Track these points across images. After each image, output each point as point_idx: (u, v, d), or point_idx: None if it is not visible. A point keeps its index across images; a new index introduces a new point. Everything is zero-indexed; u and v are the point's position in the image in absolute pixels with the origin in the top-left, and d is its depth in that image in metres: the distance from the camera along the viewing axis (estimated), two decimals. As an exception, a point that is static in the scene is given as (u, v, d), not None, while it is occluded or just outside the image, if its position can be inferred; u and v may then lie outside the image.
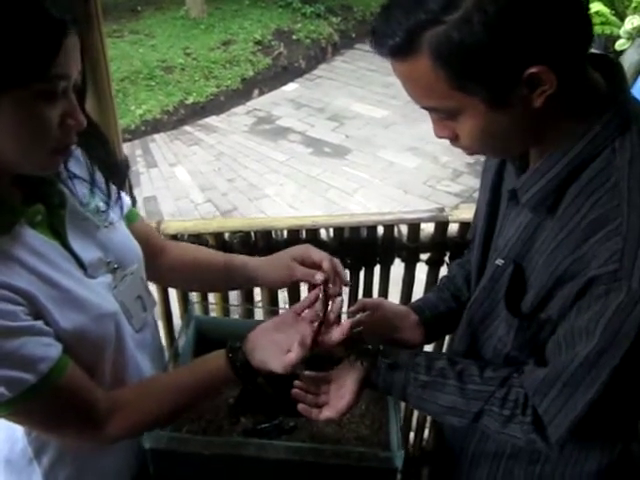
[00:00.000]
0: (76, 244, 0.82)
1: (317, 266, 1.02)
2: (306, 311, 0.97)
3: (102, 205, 0.88)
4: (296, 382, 0.96)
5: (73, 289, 0.78)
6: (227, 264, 1.09)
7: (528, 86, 0.63)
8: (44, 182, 0.78)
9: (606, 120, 0.68)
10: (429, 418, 1.82)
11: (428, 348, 1.54)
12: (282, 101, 6.11)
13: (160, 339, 1.10)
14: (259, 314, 1.45)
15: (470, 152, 0.78)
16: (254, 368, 0.88)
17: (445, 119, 0.71)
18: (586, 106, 0.69)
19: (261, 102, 6.09)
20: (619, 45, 3.11)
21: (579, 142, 0.69)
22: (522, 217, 0.80)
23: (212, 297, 1.42)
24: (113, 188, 0.92)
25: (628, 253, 0.64)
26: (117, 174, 0.92)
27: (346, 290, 1.38)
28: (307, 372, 0.98)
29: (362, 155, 4.95)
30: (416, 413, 1.82)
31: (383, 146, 5.07)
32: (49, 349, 0.74)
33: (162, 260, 1.07)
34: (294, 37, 7.11)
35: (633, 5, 2.96)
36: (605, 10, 3.00)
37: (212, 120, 5.63)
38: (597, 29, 3.12)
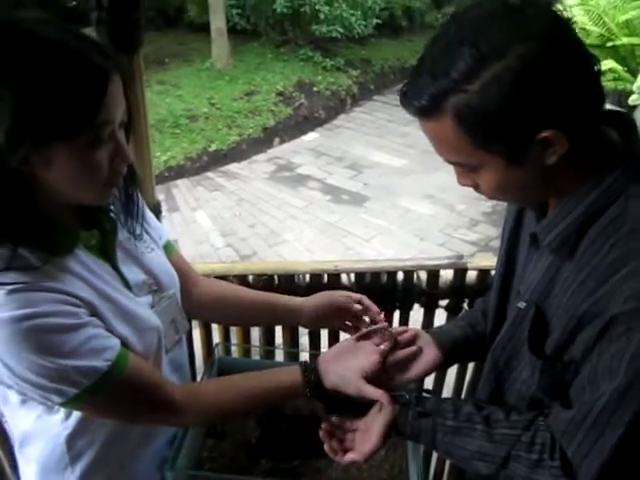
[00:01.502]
0: (123, 266, 0.90)
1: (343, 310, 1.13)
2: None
3: (145, 233, 0.97)
4: (324, 424, 0.97)
5: (124, 303, 0.87)
6: (268, 302, 1.16)
7: (542, 146, 0.68)
8: (99, 211, 0.87)
9: (620, 171, 0.73)
10: (447, 469, 1.80)
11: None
12: (302, 150, 6.28)
13: (187, 366, 1.14)
14: (279, 356, 1.48)
15: (490, 198, 0.82)
16: (325, 389, 0.95)
17: (467, 172, 0.76)
18: (601, 159, 0.74)
19: (282, 150, 6.27)
20: (632, 100, 3.19)
21: (595, 189, 0.73)
22: (543, 260, 0.83)
23: (234, 338, 1.45)
24: (154, 221, 1.03)
25: None
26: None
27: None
28: (334, 418, 0.99)
29: (379, 203, 5.04)
30: (433, 464, 1.80)
31: (400, 194, 5.16)
32: (110, 339, 0.82)
33: (195, 293, 1.13)
34: (315, 89, 7.36)
35: (645, 62, 3.06)
36: (618, 67, 3.11)
37: (234, 167, 5.79)
38: (610, 85, 3.23)
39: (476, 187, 0.79)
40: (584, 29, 3.34)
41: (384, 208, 4.94)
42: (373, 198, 5.13)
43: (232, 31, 7.85)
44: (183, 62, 7.78)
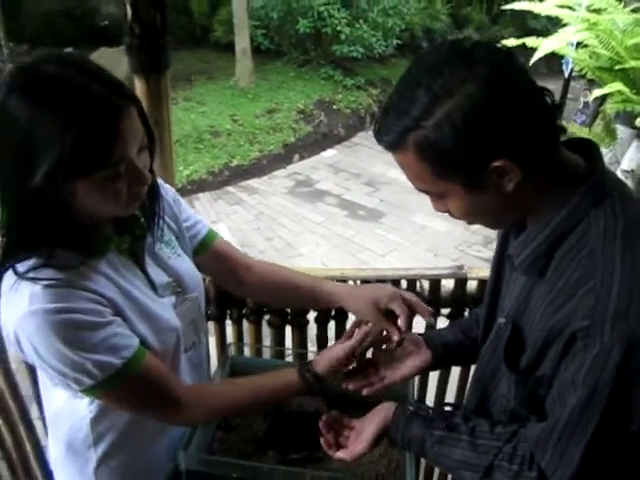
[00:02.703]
0: (150, 269, 0.99)
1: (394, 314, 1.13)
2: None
3: (174, 238, 1.06)
4: (324, 416, 1.04)
5: (146, 304, 0.95)
6: (314, 289, 1.21)
7: (497, 175, 0.74)
8: (131, 218, 0.95)
9: (582, 195, 0.78)
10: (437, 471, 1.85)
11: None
12: (321, 166, 6.40)
13: (205, 365, 1.23)
14: (289, 357, 1.57)
15: (466, 221, 0.88)
16: (321, 379, 1.04)
17: (437, 198, 0.84)
18: (565, 183, 0.79)
19: (301, 166, 6.40)
20: (639, 122, 3.24)
21: (559, 213, 0.78)
22: (519, 279, 0.88)
23: (247, 338, 1.55)
24: (191, 220, 1.12)
25: (599, 310, 0.71)
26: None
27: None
28: (334, 411, 1.06)
29: (395, 219, 5.12)
30: (437, 471, 1.86)
31: (415, 211, 5.22)
32: (130, 339, 0.90)
33: (248, 279, 1.20)
34: (334, 107, 7.50)
35: (652, 85, 3.11)
36: (625, 89, 3.16)
37: (254, 182, 5.93)
38: (619, 107, 3.27)
39: (450, 213, 0.84)
40: (594, 52, 3.41)
41: (399, 224, 5.02)
42: (389, 214, 5.22)
43: (256, 50, 8.06)
44: (208, 80, 8.00)
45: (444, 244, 4.63)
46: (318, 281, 1.23)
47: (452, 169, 0.76)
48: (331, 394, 1.14)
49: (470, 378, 1.10)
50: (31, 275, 0.82)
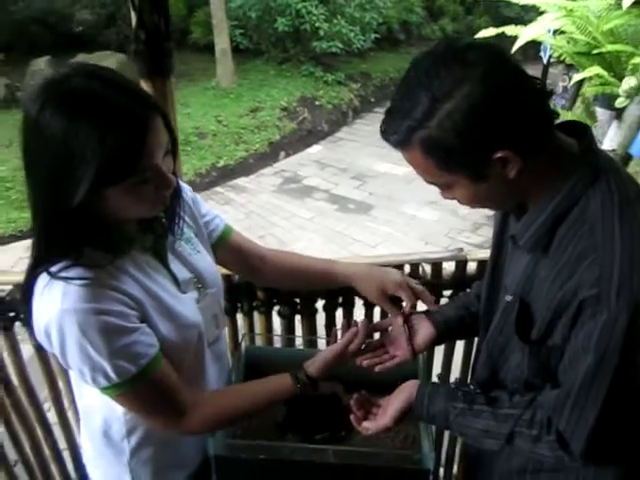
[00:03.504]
0: (173, 265, 1.03)
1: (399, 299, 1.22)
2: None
3: (193, 236, 1.10)
4: (356, 395, 1.11)
5: (168, 301, 0.98)
6: (326, 271, 1.27)
7: (500, 164, 0.79)
8: (154, 218, 0.99)
9: (578, 175, 0.83)
10: (457, 452, 1.92)
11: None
12: (307, 162, 6.46)
13: (225, 357, 1.27)
14: (299, 343, 1.62)
15: (472, 207, 0.94)
16: (315, 378, 1.09)
17: (444, 188, 0.89)
18: (562, 166, 0.84)
19: (287, 163, 6.45)
20: (619, 103, 3.34)
21: (559, 194, 0.83)
22: (523, 258, 0.92)
23: (258, 329, 1.60)
24: (209, 216, 1.17)
25: (604, 279, 0.77)
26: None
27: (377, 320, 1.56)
28: (364, 391, 1.13)
29: (385, 210, 5.20)
30: (444, 448, 1.92)
31: (404, 201, 5.31)
32: (150, 349, 0.93)
33: (263, 268, 1.26)
34: (317, 103, 7.57)
35: (629, 67, 3.22)
36: (604, 73, 3.28)
37: (242, 181, 5.97)
38: (598, 89, 3.38)
39: (457, 199, 0.90)
40: (572, 38, 3.51)
41: (389, 215, 5.09)
42: (378, 206, 5.29)
43: (235, 50, 8.09)
44: (189, 82, 8.00)
45: (434, 232, 4.71)
46: (330, 263, 1.29)
47: (456, 163, 0.81)
48: (347, 378, 1.20)
49: (474, 353, 1.16)
50: (63, 274, 0.85)
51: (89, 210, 0.84)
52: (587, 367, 0.81)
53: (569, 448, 0.87)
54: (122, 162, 0.80)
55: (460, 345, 1.66)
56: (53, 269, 0.87)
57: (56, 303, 0.85)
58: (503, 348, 0.99)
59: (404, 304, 1.21)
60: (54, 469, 1.86)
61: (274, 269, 1.27)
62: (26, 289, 0.91)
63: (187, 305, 1.03)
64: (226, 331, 1.60)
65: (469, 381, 1.16)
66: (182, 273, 1.04)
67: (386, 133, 0.85)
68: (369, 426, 1.06)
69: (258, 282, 1.36)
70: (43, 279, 0.88)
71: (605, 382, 0.80)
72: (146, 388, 0.94)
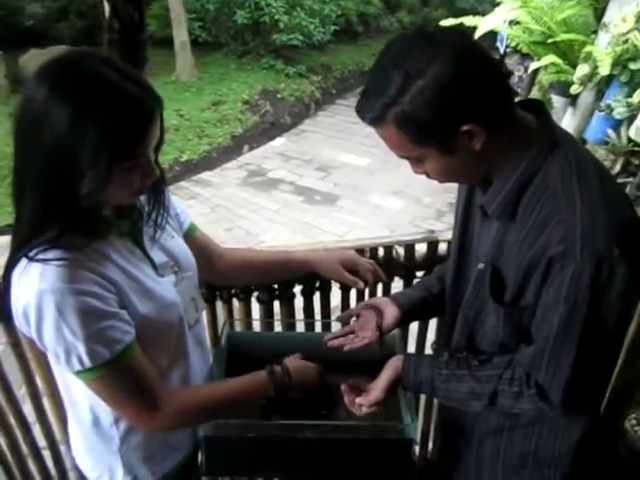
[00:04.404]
0: (150, 248, 1.05)
1: (358, 273, 1.37)
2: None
3: (167, 223, 1.11)
4: (346, 382, 1.15)
5: (147, 282, 0.99)
6: (287, 261, 1.38)
7: (467, 137, 0.86)
8: (129, 205, 1.01)
9: (538, 146, 0.90)
10: (432, 429, 1.99)
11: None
12: (271, 155, 6.45)
13: (207, 339, 1.30)
14: (278, 327, 1.66)
15: (441, 182, 1.00)
16: (291, 386, 1.14)
17: (416, 162, 0.95)
18: (522, 138, 0.91)
19: (251, 157, 6.43)
20: (573, 90, 3.49)
21: (523, 163, 0.91)
22: (492, 227, 0.98)
23: (237, 315, 1.62)
24: (179, 208, 1.20)
25: (570, 236, 0.84)
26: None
27: (354, 303, 1.61)
28: (352, 380, 1.16)
29: (350, 201, 5.26)
30: (420, 427, 1.99)
31: (369, 191, 5.39)
32: (126, 335, 0.93)
33: (221, 265, 1.30)
34: (279, 96, 7.56)
35: (582, 56, 3.36)
36: (559, 61, 3.42)
37: (206, 175, 5.92)
38: (554, 77, 3.52)
39: (427, 174, 0.96)
40: (528, 28, 3.64)
41: (355, 205, 5.16)
42: (344, 196, 5.35)
43: (194, 43, 7.98)
44: (148, 76, 7.74)
45: (399, 220, 4.81)
46: (287, 253, 1.40)
47: (428, 136, 0.87)
48: (326, 358, 1.24)
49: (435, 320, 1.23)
50: (41, 257, 0.86)
51: (77, 193, 0.85)
52: (559, 318, 0.87)
53: (549, 398, 0.94)
54: (122, 146, 0.83)
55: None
56: (31, 253, 0.87)
57: (34, 284, 0.86)
58: (479, 313, 1.04)
59: (366, 276, 1.38)
60: (32, 467, 1.84)
61: (232, 265, 1.32)
62: (5, 277, 0.91)
63: (165, 287, 1.04)
64: (204, 318, 1.63)
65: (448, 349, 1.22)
66: (159, 257, 1.06)
67: (362, 112, 0.89)
68: (362, 401, 1.10)
69: (216, 279, 1.38)
70: (21, 265, 0.88)
71: (577, 331, 0.87)
72: (120, 375, 0.94)
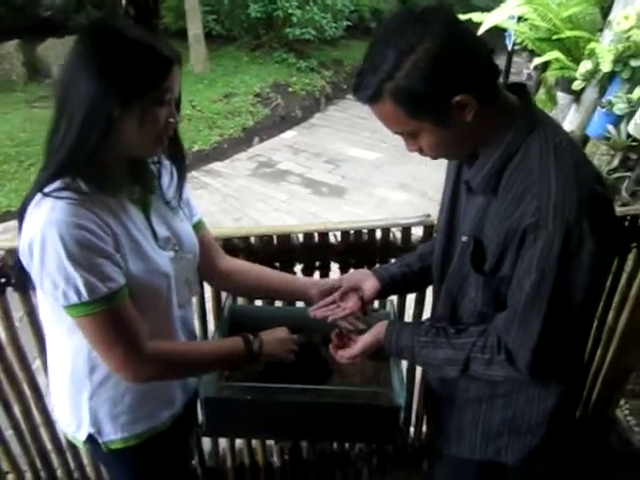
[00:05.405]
0: (155, 221, 1.10)
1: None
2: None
3: (175, 202, 1.17)
4: (337, 329, 1.27)
5: (144, 245, 1.05)
6: (290, 284, 1.41)
7: (459, 108, 0.91)
8: (146, 172, 1.09)
9: (520, 124, 0.96)
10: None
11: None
12: (281, 147, 6.52)
13: (194, 324, 1.35)
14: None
15: (433, 158, 1.05)
16: (262, 355, 1.20)
17: (410, 138, 0.99)
18: (506, 116, 0.97)
19: (261, 148, 6.50)
20: (575, 86, 3.53)
21: (504, 140, 0.96)
22: (477, 201, 1.03)
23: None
24: (192, 201, 1.26)
25: (543, 208, 0.89)
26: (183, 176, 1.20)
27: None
28: (344, 329, 1.28)
29: (357, 193, 5.32)
30: (415, 406, 2.05)
31: (376, 185, 5.44)
32: (119, 277, 0.99)
33: (221, 266, 1.35)
34: (290, 89, 7.62)
35: (586, 52, 3.40)
36: (562, 57, 3.48)
37: (216, 166, 6.00)
38: (558, 73, 3.56)
39: (421, 151, 1.01)
40: (534, 25, 3.68)
41: (362, 198, 5.22)
42: (351, 189, 5.41)
43: (208, 36, 8.06)
44: (161, 67, 7.94)
45: (405, 213, 4.82)
46: (290, 276, 1.47)
47: (423, 109, 0.92)
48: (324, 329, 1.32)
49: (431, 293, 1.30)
50: (54, 194, 0.94)
51: (108, 131, 0.93)
52: (530, 286, 0.92)
53: (517, 365, 1.00)
54: (150, 76, 0.93)
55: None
56: (46, 190, 0.95)
57: (43, 216, 0.92)
58: (461, 285, 1.10)
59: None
60: (44, 435, 1.89)
61: (232, 270, 1.37)
62: (21, 213, 0.98)
63: (161, 257, 1.09)
64: (208, 295, 1.70)
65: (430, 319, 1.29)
66: (162, 231, 1.11)
67: (358, 91, 0.95)
68: (343, 354, 1.21)
69: (216, 280, 1.42)
70: (35, 200, 0.96)
71: (545, 298, 0.92)
72: (111, 316, 0.98)
